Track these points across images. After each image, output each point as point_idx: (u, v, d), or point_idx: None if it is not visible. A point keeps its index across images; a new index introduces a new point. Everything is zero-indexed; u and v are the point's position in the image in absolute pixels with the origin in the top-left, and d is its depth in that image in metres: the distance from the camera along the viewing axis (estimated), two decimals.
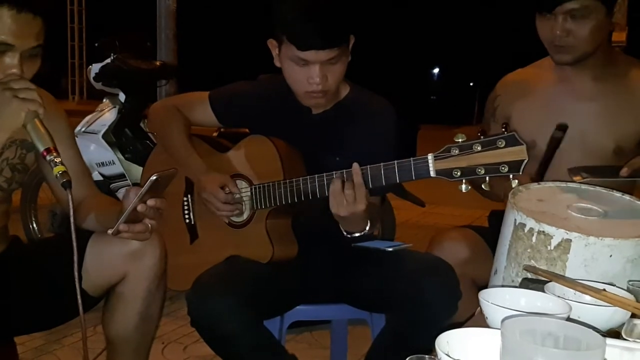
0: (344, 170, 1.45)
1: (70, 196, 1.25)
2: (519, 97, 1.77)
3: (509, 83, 1.83)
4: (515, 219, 1.16)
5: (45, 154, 1.26)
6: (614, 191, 1.31)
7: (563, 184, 1.33)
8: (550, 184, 1.33)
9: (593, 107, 1.67)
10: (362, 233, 1.55)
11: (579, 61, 1.65)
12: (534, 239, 1.12)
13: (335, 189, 1.43)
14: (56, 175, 1.24)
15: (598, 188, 1.31)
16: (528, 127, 1.71)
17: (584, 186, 1.32)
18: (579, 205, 1.21)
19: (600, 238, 1.07)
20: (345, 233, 1.56)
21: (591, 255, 1.07)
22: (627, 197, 1.29)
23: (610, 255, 1.07)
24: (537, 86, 1.76)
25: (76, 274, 1.25)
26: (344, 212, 1.43)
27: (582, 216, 1.18)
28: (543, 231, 1.11)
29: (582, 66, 1.67)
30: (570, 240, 1.08)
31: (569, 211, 1.19)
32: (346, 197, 1.42)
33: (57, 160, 1.25)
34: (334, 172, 1.47)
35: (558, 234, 1.09)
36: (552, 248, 1.09)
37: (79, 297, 1.25)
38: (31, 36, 1.29)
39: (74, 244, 1.25)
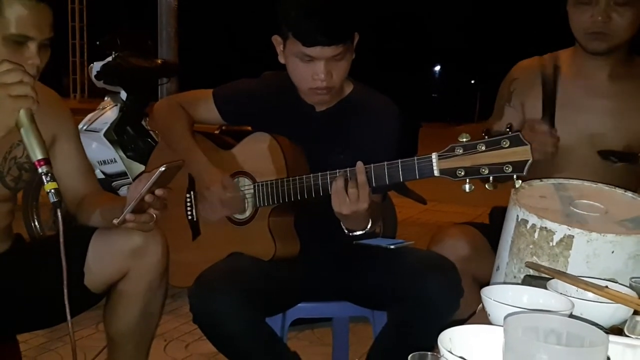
0: (347, 169, 1.45)
1: (59, 217, 1.22)
2: (534, 84, 1.76)
3: (526, 67, 1.82)
4: (517, 215, 1.17)
5: (37, 165, 1.23)
6: (617, 188, 1.31)
7: (565, 181, 1.33)
8: (553, 180, 1.33)
9: (606, 105, 1.67)
10: (364, 231, 1.55)
11: (612, 51, 1.64)
12: (536, 235, 1.12)
13: (337, 187, 1.43)
14: (47, 192, 1.22)
15: (600, 185, 1.32)
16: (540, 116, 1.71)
17: (586, 183, 1.32)
18: (581, 202, 1.21)
19: (602, 234, 1.07)
20: (346, 231, 1.56)
21: (593, 251, 1.08)
22: (629, 194, 1.30)
23: (612, 252, 1.07)
24: (553, 78, 1.75)
25: (65, 290, 1.25)
26: (346, 210, 1.43)
27: (585, 212, 1.18)
28: (545, 227, 1.11)
29: (601, 63, 1.68)
30: (573, 236, 1.08)
31: (571, 208, 1.20)
32: (349, 195, 1.41)
33: (50, 174, 1.22)
34: (337, 170, 1.47)
35: (560, 230, 1.09)
36: (554, 244, 1.10)
37: (68, 313, 1.26)
38: (46, 27, 1.32)
39: (63, 262, 1.24)
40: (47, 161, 1.24)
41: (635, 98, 1.67)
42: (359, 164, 1.42)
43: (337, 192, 1.43)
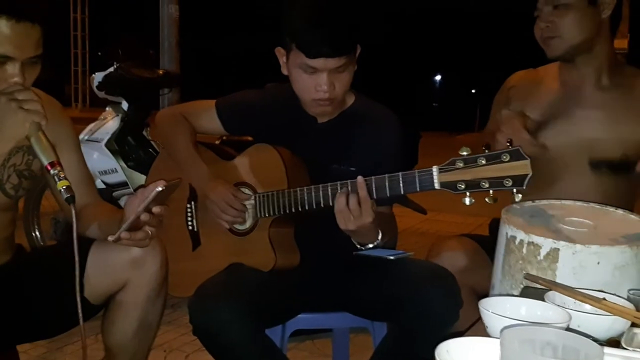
0: (348, 182, 1.45)
1: (73, 211, 1.26)
2: (531, 94, 1.78)
3: (522, 77, 1.85)
4: (506, 233, 1.19)
5: (49, 167, 1.27)
6: (608, 206, 1.32)
7: (557, 202, 1.35)
8: (545, 202, 1.35)
9: (600, 115, 1.69)
10: (375, 244, 1.54)
11: (571, 57, 1.67)
12: (524, 250, 1.15)
13: (340, 205, 1.43)
14: (60, 190, 1.26)
15: (592, 204, 1.33)
16: (537, 131, 1.72)
17: (578, 203, 1.34)
18: (570, 219, 1.23)
19: (586, 246, 1.10)
20: (358, 245, 1.55)
21: (579, 263, 1.10)
22: (620, 211, 1.31)
23: (598, 263, 1.09)
24: (546, 89, 1.77)
25: (77, 288, 1.26)
26: (352, 226, 1.43)
27: (573, 228, 1.20)
28: (532, 242, 1.14)
29: (587, 73, 1.69)
30: (558, 249, 1.11)
31: (560, 225, 1.22)
32: (352, 212, 1.42)
33: (61, 174, 1.26)
34: (337, 183, 1.47)
35: (546, 244, 1.12)
36: (541, 258, 1.12)
37: (79, 310, 1.27)
38: (30, 46, 1.29)
39: (76, 258, 1.26)
40: (57, 163, 1.28)
41: (627, 107, 1.68)
42: (359, 178, 1.42)
43: (341, 210, 1.43)
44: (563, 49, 1.66)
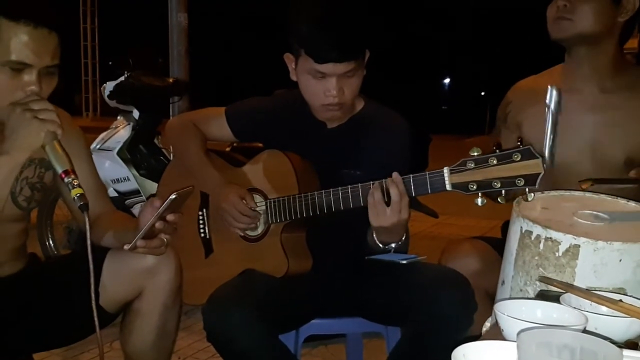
0: (383, 180, 1.44)
1: (87, 219, 1.27)
2: (530, 104, 1.77)
3: (520, 90, 1.84)
4: (521, 227, 1.15)
5: (63, 175, 1.28)
6: (619, 198, 1.29)
7: (567, 192, 1.32)
8: (554, 192, 1.32)
9: (603, 119, 1.67)
10: (398, 243, 1.53)
11: (573, 44, 1.65)
12: (541, 246, 1.10)
13: (376, 199, 1.42)
14: (74, 197, 1.27)
15: (602, 195, 1.30)
16: (539, 136, 1.71)
17: (587, 194, 1.31)
18: (584, 212, 1.20)
19: (609, 242, 1.05)
20: (381, 245, 1.53)
21: (600, 260, 1.06)
22: (632, 203, 1.28)
23: (620, 260, 1.05)
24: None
25: (93, 295, 1.27)
26: (386, 222, 1.42)
27: (589, 222, 1.17)
28: (550, 237, 1.09)
29: (590, 75, 1.67)
30: (579, 245, 1.06)
31: (575, 218, 1.18)
32: (392, 206, 1.40)
33: (75, 182, 1.28)
34: (348, 187, 1.47)
35: (566, 240, 1.07)
36: (560, 254, 1.08)
37: (95, 317, 1.27)
38: (48, 54, 1.30)
39: (91, 266, 1.27)
40: (71, 171, 1.29)
41: (631, 109, 1.66)
42: (395, 174, 1.42)
43: (375, 204, 1.42)
44: (571, 33, 1.63)
